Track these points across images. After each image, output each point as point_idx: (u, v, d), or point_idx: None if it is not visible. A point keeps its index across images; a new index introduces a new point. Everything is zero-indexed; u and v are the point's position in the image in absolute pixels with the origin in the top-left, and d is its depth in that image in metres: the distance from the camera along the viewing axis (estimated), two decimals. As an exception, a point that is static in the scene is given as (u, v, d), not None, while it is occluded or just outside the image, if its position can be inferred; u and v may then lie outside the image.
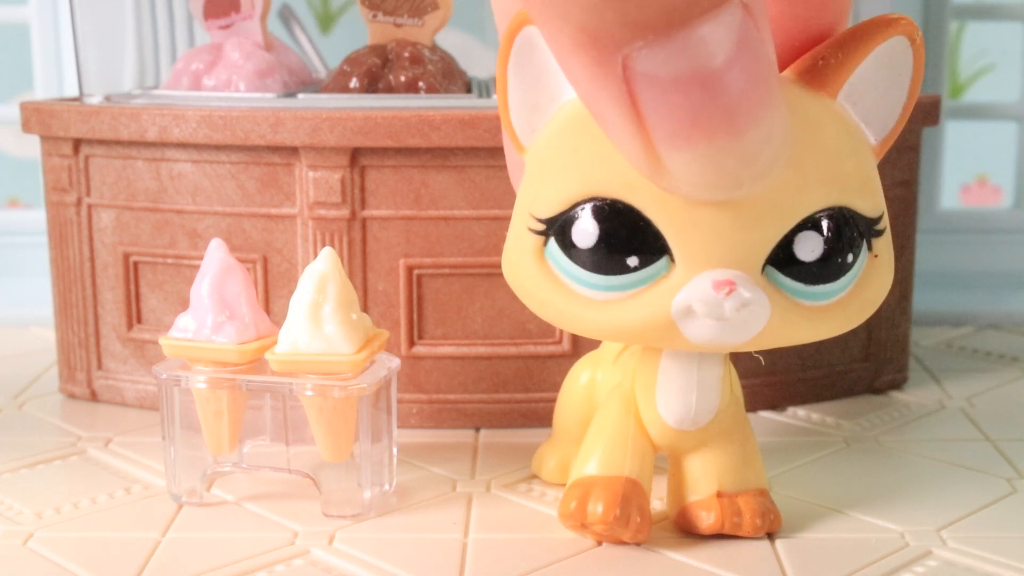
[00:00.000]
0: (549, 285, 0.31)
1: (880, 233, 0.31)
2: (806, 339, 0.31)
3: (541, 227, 0.30)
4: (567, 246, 0.30)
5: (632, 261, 0.29)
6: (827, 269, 0.30)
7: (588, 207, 0.29)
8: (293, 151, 0.44)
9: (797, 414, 0.47)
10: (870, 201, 0.30)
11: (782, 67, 0.30)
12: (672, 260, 0.29)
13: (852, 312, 0.31)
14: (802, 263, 0.29)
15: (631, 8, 0.23)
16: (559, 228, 0.30)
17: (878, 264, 0.31)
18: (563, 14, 0.23)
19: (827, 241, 0.29)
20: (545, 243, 0.31)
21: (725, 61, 0.24)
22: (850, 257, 0.30)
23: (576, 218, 0.30)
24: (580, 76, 0.25)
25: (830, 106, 0.30)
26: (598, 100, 0.25)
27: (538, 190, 0.31)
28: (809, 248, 0.29)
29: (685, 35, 0.23)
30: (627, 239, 0.29)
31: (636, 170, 0.27)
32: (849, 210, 0.30)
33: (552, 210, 0.30)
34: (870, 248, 0.31)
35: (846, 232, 0.30)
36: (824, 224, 0.29)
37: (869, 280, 0.31)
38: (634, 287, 0.30)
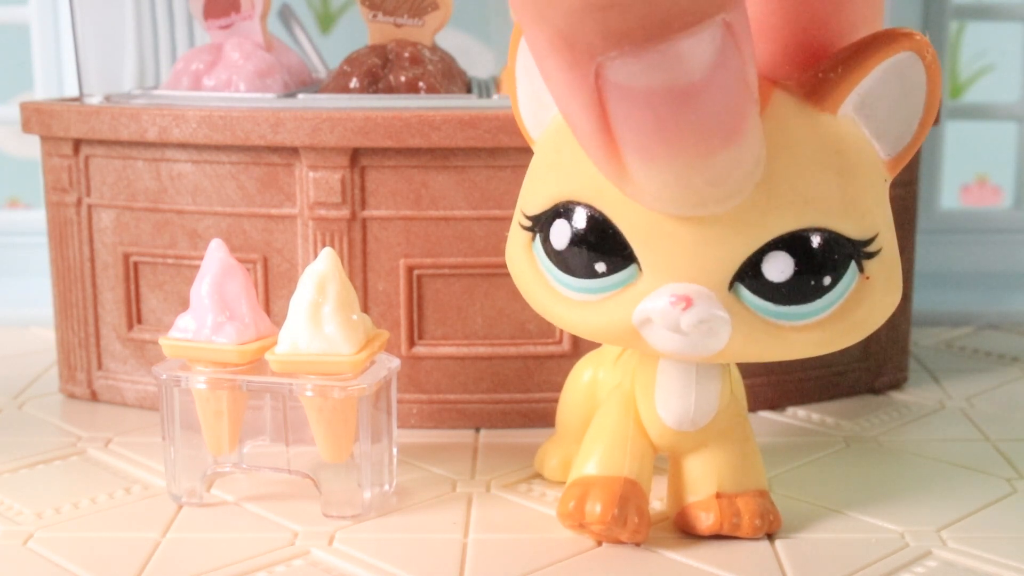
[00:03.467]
0: (535, 279, 0.32)
1: (872, 255, 0.30)
2: (780, 357, 0.30)
3: (528, 223, 0.31)
4: (548, 245, 0.31)
5: (600, 267, 0.30)
6: (798, 290, 0.29)
7: (565, 210, 0.30)
8: (293, 151, 0.44)
9: (797, 414, 0.47)
10: (856, 223, 0.29)
11: (797, 71, 0.29)
12: (641, 269, 0.29)
13: (836, 333, 0.30)
14: (771, 283, 0.29)
15: (611, 18, 0.22)
16: (542, 226, 0.31)
17: (870, 286, 0.30)
18: (542, 16, 0.23)
19: (798, 263, 0.29)
20: (533, 239, 0.31)
21: (700, 79, 0.23)
22: (827, 280, 0.29)
23: (554, 219, 0.30)
24: (553, 78, 0.25)
25: (825, 123, 0.29)
26: (568, 104, 0.25)
27: (529, 187, 0.32)
28: (778, 269, 0.29)
29: (662, 49, 0.23)
30: (595, 245, 0.30)
31: (603, 176, 0.27)
32: (829, 232, 0.29)
33: (536, 208, 0.31)
34: (861, 269, 0.30)
35: (823, 254, 0.29)
36: (796, 245, 0.29)
37: (859, 302, 0.30)
38: (604, 291, 0.30)
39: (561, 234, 0.30)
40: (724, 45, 0.23)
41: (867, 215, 0.29)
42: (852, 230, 0.29)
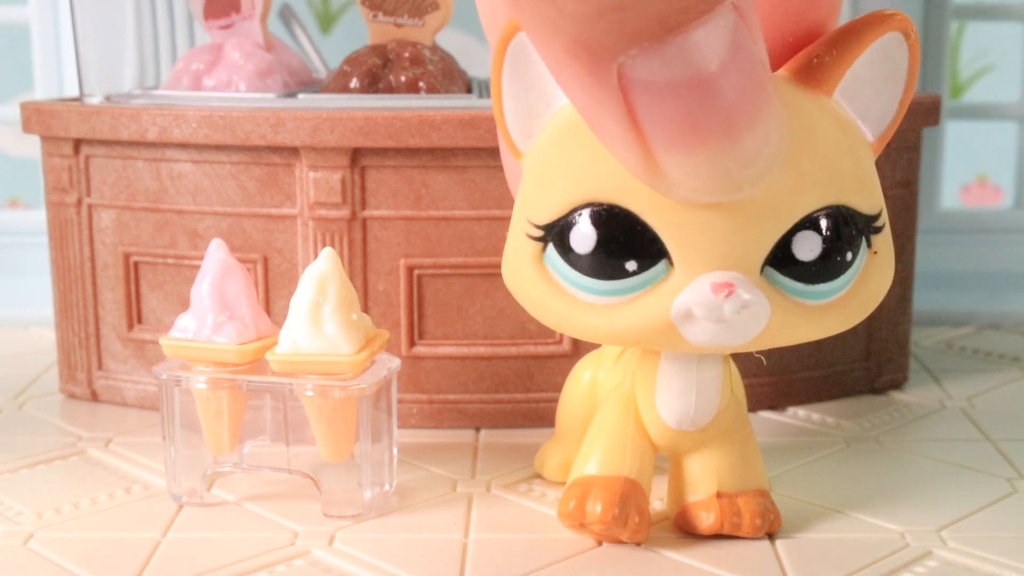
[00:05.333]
0: (549, 291, 0.31)
1: (879, 230, 0.31)
2: (807, 338, 0.31)
3: (539, 233, 0.30)
4: (566, 252, 0.30)
5: (631, 265, 0.29)
6: (826, 268, 0.30)
7: (585, 212, 0.29)
8: (293, 151, 0.44)
9: (797, 414, 0.47)
10: (868, 198, 0.30)
11: (777, 64, 0.30)
12: (671, 263, 0.29)
13: (852, 310, 0.31)
14: (801, 263, 0.29)
15: (625, 17, 0.22)
16: (557, 234, 0.30)
17: (878, 260, 0.31)
18: (556, 26, 0.23)
19: (825, 240, 0.29)
20: (544, 249, 0.31)
21: (720, 65, 0.24)
22: (849, 255, 0.30)
23: (574, 224, 0.30)
24: (575, 86, 0.25)
25: (825, 105, 0.30)
26: (594, 109, 0.25)
27: (536, 196, 0.31)
28: (808, 248, 0.29)
29: (679, 41, 0.23)
30: (625, 243, 0.29)
31: (634, 176, 0.27)
32: (847, 208, 0.30)
33: (550, 216, 0.30)
34: (869, 245, 0.31)
35: (844, 230, 0.30)
36: (822, 223, 0.29)
37: (869, 277, 0.31)
38: (633, 291, 0.30)
39: (585, 237, 0.30)
40: (736, 28, 0.24)
41: (874, 191, 0.30)
42: (865, 205, 0.30)
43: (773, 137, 0.26)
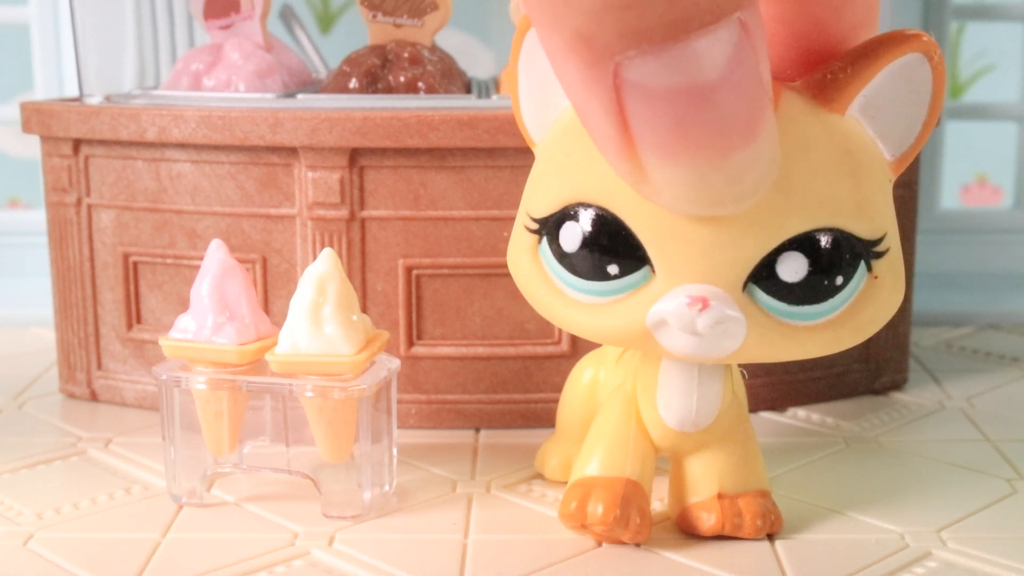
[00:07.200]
0: (541, 283, 0.31)
1: (880, 255, 0.30)
2: (791, 357, 0.30)
3: (535, 226, 0.31)
4: (556, 247, 0.30)
5: (612, 269, 0.30)
6: (812, 290, 0.29)
7: (575, 212, 0.30)
8: (292, 151, 0.44)
9: (797, 415, 0.47)
10: (868, 222, 0.29)
11: (795, 74, 0.29)
12: (653, 271, 0.29)
13: (845, 332, 0.30)
14: (785, 283, 0.29)
15: (630, 17, 0.22)
16: (550, 229, 0.30)
17: (878, 286, 0.30)
18: (560, 17, 0.23)
19: (812, 263, 0.29)
20: (539, 241, 0.31)
21: (717, 78, 0.23)
22: (839, 279, 0.29)
23: (564, 221, 0.30)
24: (570, 79, 0.25)
25: (834, 123, 0.29)
26: (586, 104, 0.25)
27: (534, 189, 0.31)
28: (792, 269, 0.29)
29: (680, 48, 0.23)
30: (608, 247, 0.29)
31: (620, 178, 0.27)
32: (841, 232, 0.29)
33: (544, 210, 0.31)
34: (869, 269, 0.30)
35: (835, 254, 0.29)
36: (810, 246, 0.29)
37: (867, 301, 0.30)
38: (615, 294, 0.30)
39: (572, 236, 0.30)
40: (740, 44, 0.23)
41: (877, 215, 0.30)
42: (863, 230, 0.29)
43: (764, 158, 0.26)
